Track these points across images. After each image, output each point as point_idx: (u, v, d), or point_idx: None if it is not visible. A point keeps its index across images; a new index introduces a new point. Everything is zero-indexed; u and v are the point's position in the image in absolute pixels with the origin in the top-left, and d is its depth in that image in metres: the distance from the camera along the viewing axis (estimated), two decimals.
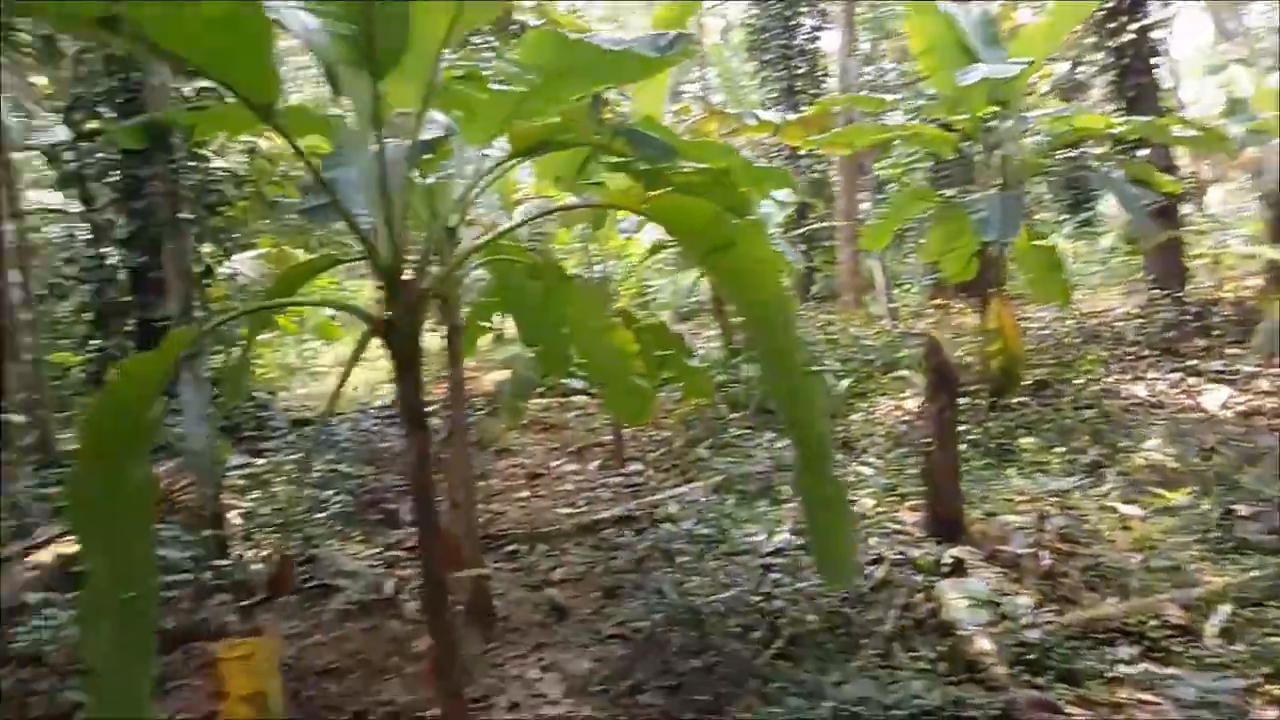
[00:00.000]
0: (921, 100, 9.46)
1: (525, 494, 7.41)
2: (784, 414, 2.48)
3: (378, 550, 5.91)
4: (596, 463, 8.06)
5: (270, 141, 8.59)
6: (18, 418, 6.55)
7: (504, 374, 9.69)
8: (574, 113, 2.81)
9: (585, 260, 7.78)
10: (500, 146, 3.62)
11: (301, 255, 11.05)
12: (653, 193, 2.65)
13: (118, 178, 8.13)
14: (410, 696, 4.10)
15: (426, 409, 2.66)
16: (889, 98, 8.11)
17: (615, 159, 3.18)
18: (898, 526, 5.27)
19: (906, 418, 7.87)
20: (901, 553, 4.80)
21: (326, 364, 13.52)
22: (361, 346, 2.77)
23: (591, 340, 4.88)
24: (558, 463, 8.20)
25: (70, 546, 5.34)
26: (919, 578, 4.50)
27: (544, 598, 5.13)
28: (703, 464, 7.44)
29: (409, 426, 2.63)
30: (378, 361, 14.99)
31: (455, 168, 4.12)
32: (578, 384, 9.63)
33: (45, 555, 5.20)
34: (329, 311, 13.22)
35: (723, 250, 2.36)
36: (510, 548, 6.01)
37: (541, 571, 5.55)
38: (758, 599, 4.44)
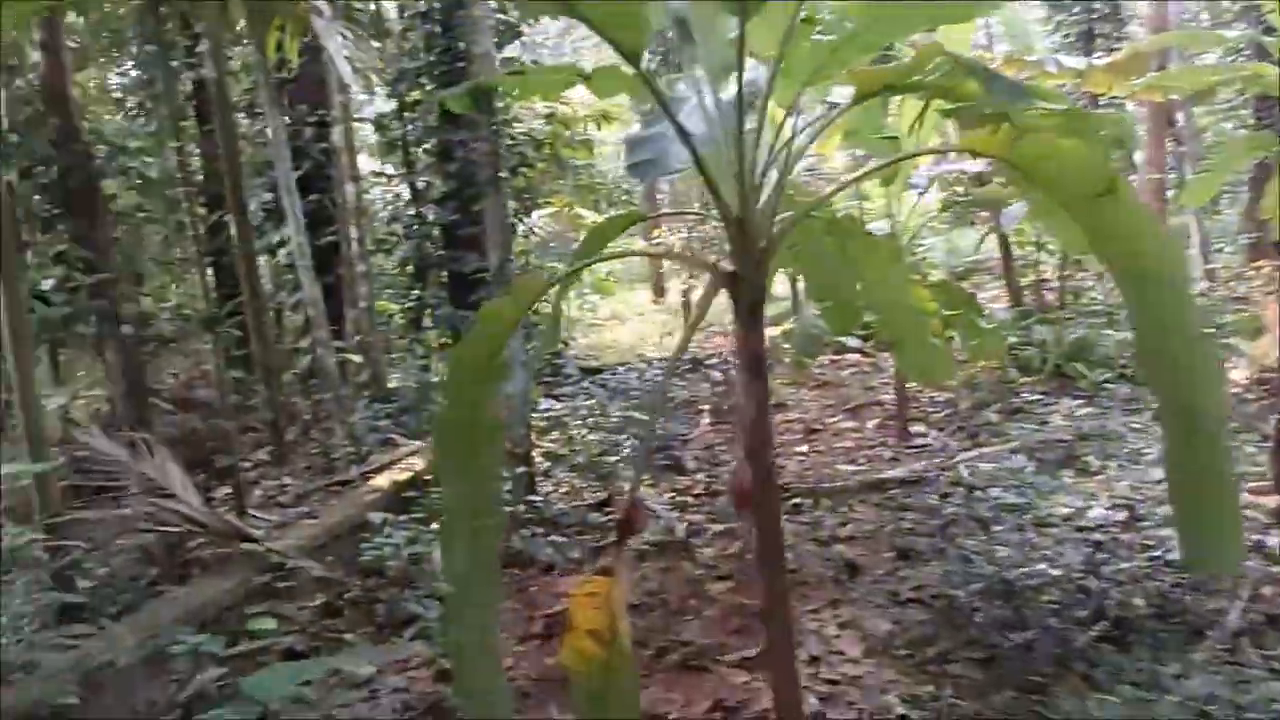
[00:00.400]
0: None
1: (804, 449, 7.38)
2: (1162, 379, 2.26)
3: (667, 495, 6.11)
4: (874, 421, 7.88)
5: (566, 107, 8.99)
6: (355, 357, 7.38)
7: (775, 330, 9.69)
8: (928, 52, 2.68)
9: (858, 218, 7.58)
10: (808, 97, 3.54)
11: (589, 214, 11.59)
12: (1021, 135, 2.47)
13: (433, 144, 8.85)
14: (708, 639, 4.22)
15: (766, 360, 2.67)
16: (1230, 34, 7.18)
17: (952, 104, 3.03)
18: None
19: (1234, 390, 7.07)
20: (1248, 539, 4.32)
21: (603, 317, 14.17)
22: (708, 298, 2.82)
23: (886, 296, 4.72)
24: (834, 419, 8.09)
25: (402, 474, 5.94)
26: (1271, 568, 4.03)
27: (834, 554, 5.08)
28: (992, 428, 7.09)
29: (750, 377, 2.65)
30: (654, 315, 15.55)
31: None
32: (853, 342, 9.46)
33: (382, 480, 5.82)
34: (604, 268, 13.82)
35: (1102, 197, 2.17)
36: (794, 501, 6.01)
37: (828, 527, 5.49)
38: (1077, 575, 4.16)
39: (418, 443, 6.54)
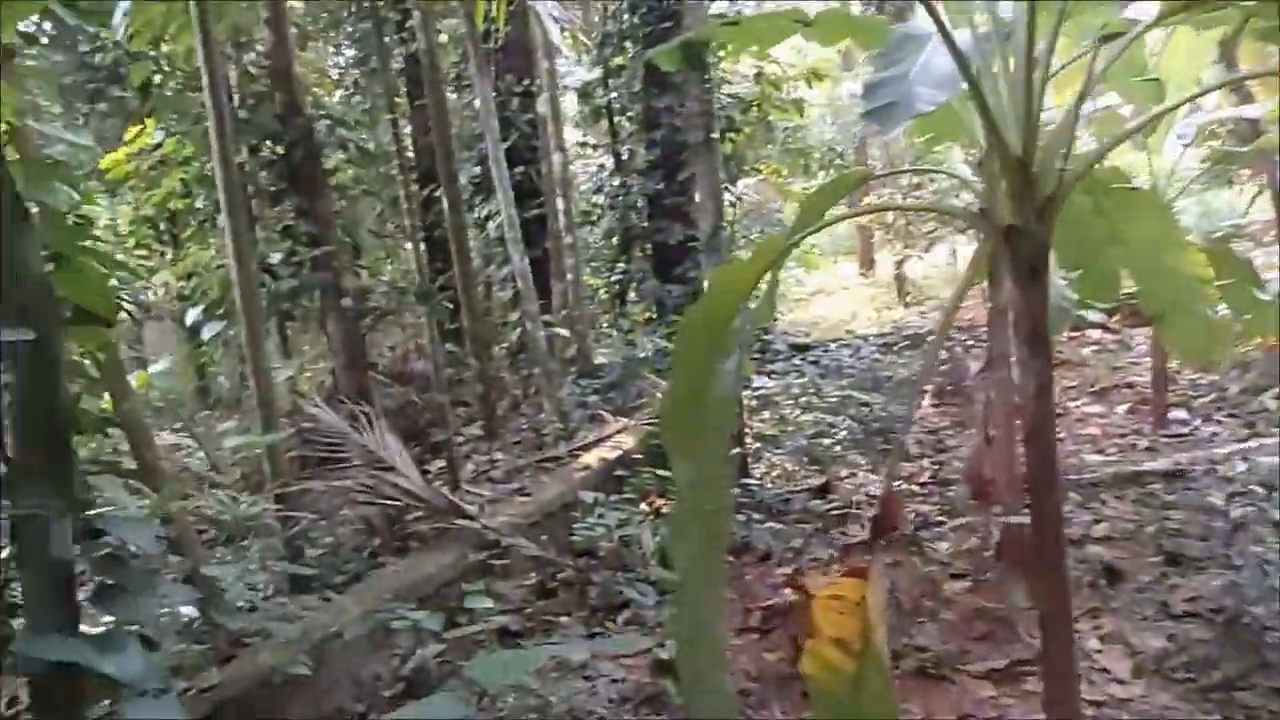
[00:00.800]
0: None
1: None
2: None
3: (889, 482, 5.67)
4: (1125, 406, 7.07)
5: (775, 65, 8.57)
6: (563, 331, 7.33)
7: None
8: None
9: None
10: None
11: (797, 181, 11.14)
12: None
13: (638, 111, 8.67)
14: (947, 645, 3.80)
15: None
16: None
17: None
18: None
19: None
20: None
21: (808, 291, 13.66)
22: (981, 259, 2.42)
23: (1150, 261, 4.08)
24: (1077, 403, 7.32)
25: (611, 452, 5.81)
26: None
27: (1089, 555, 4.50)
28: (1270, 416, 6.17)
29: (1029, 350, 2.23)
30: (861, 290, 14.87)
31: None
32: (1095, 316, 8.56)
33: (591, 458, 5.70)
34: (810, 240, 13.28)
35: None
36: None
37: (1080, 525, 4.89)
38: None
39: (624, 420, 6.40)
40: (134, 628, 2.23)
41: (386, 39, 9.94)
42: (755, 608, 4.18)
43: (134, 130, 7.20)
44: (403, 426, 6.81)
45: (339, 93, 10.57)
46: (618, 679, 3.66)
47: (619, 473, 5.36)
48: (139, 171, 6.90)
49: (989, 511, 4.34)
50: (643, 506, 5.36)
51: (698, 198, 5.72)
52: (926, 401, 7.16)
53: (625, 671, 3.74)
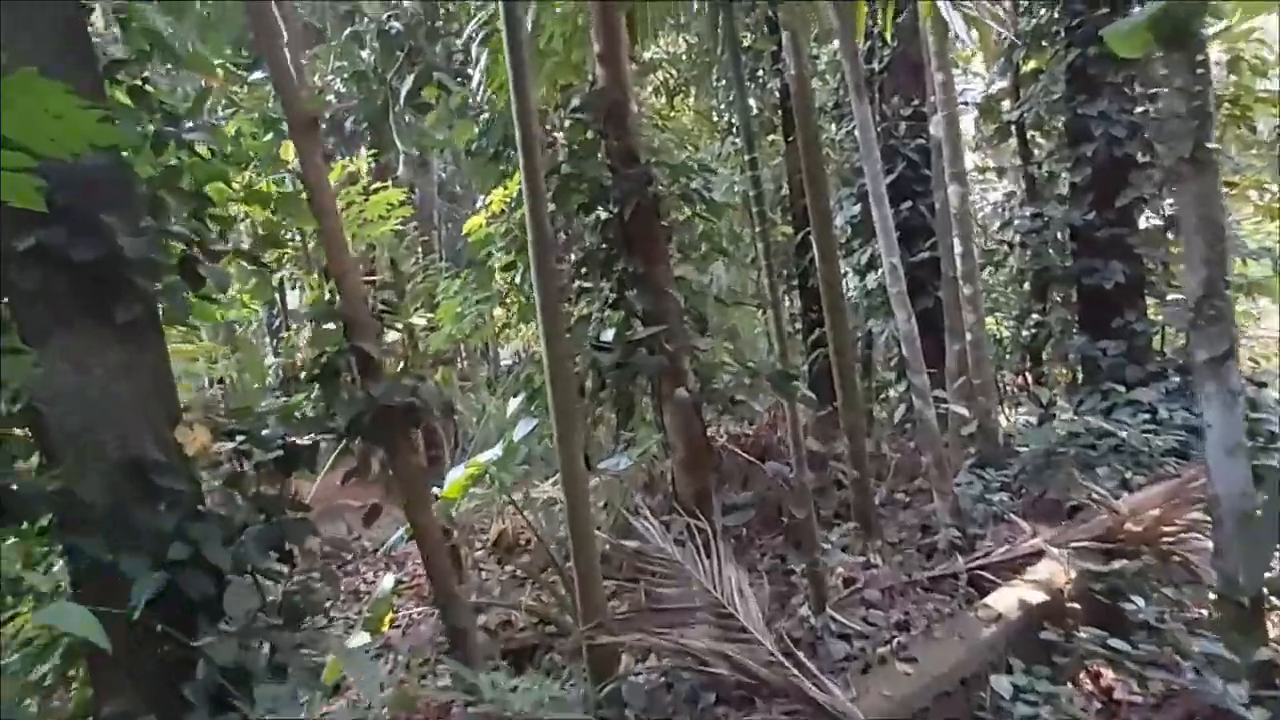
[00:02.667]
0: None
1: None
2: None
3: None
4: None
5: (1260, 47, 6.36)
6: (963, 410, 5.82)
7: None
8: None
9: None
10: None
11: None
12: None
13: (1059, 124, 6.91)
14: None
15: None
16: None
17: None
18: None
19: None
20: None
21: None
22: None
23: None
24: None
25: (1033, 591, 4.23)
26: None
27: None
28: None
29: None
30: None
31: None
32: None
33: (1005, 599, 4.14)
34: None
35: None
36: None
37: None
38: None
39: (1044, 533, 4.77)
40: None
41: (760, 72, 9.09)
42: None
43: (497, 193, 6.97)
44: (759, 527, 5.73)
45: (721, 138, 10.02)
46: None
47: (1045, 633, 3.79)
48: (497, 236, 6.59)
49: None
50: (1086, 687, 3.76)
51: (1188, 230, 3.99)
52: None
53: None
